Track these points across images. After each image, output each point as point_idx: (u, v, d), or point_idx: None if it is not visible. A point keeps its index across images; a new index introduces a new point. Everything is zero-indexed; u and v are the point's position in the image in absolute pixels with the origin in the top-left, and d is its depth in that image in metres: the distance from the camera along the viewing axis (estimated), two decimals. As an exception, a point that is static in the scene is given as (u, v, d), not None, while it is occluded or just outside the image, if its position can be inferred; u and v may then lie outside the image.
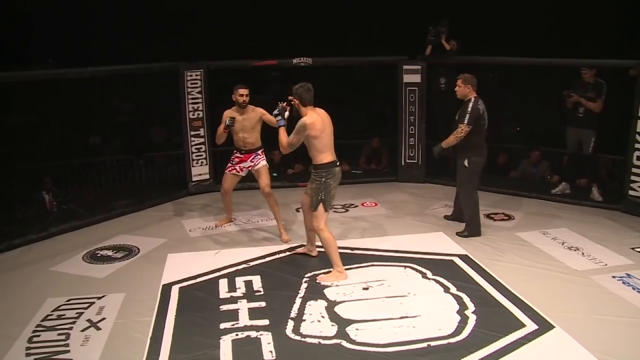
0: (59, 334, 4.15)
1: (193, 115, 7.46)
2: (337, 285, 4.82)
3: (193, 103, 7.48)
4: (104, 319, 4.37)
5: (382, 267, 5.20)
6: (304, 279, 4.96)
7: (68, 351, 3.94)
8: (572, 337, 3.95)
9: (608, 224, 6.32)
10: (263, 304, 4.53)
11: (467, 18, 8.57)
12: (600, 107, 6.74)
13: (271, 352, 3.85)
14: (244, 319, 4.29)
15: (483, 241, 5.81)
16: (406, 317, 4.28)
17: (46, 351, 3.94)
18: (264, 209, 6.52)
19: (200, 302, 4.60)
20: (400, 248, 5.62)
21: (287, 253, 5.61)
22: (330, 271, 5.00)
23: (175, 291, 4.82)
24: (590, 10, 8.45)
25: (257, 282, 4.94)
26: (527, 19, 8.96)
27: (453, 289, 4.71)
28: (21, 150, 7.91)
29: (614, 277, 4.92)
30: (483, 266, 5.17)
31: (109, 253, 5.77)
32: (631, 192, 6.55)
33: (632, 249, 5.57)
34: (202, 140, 7.55)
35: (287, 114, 4.97)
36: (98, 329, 4.22)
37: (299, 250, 5.62)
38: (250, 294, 4.71)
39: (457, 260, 5.34)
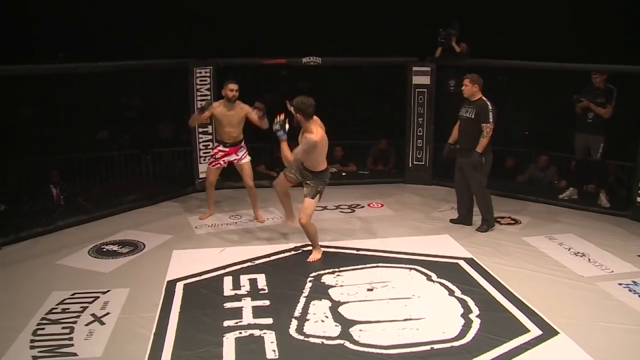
0: (63, 328, 4.17)
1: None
2: (341, 286, 4.81)
3: (202, 100, 7.47)
4: (108, 313, 4.37)
5: (387, 269, 5.19)
6: (309, 279, 4.96)
7: (72, 345, 3.95)
8: (576, 343, 3.93)
9: (615, 230, 6.28)
10: (267, 302, 4.53)
11: (478, 21, 8.55)
12: (610, 112, 6.70)
13: (274, 351, 3.85)
14: (247, 317, 4.29)
15: (489, 245, 5.79)
16: (410, 319, 4.27)
17: (50, 344, 3.95)
18: (269, 208, 6.52)
19: (204, 299, 4.60)
20: (405, 250, 5.61)
21: (293, 252, 5.61)
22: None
23: (179, 288, 4.82)
24: (602, 15, 8.42)
25: (261, 280, 4.94)
26: (539, 23, 8.93)
27: (458, 292, 4.70)
28: (30, 143, 7.96)
29: (620, 284, 4.88)
30: (488, 270, 5.15)
31: (115, 248, 5.78)
32: (639, 199, 6.51)
33: (639, 256, 5.53)
34: (209, 137, 7.55)
35: (287, 127, 5.02)
36: (102, 323, 4.23)
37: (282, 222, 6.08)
38: (254, 292, 4.71)
39: (462, 263, 5.32)
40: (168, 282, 4.94)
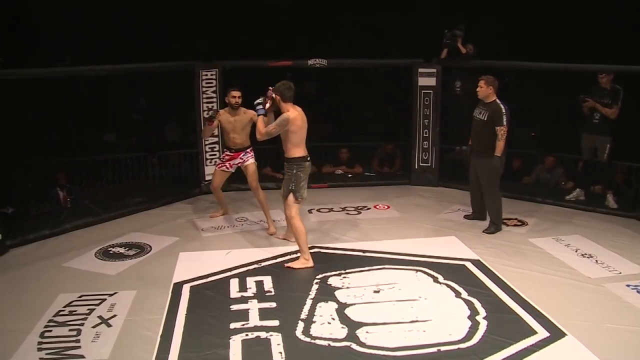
0: (70, 330, 4.18)
1: (207, 114, 7.47)
2: (348, 288, 4.81)
3: (207, 102, 7.50)
4: (115, 315, 4.38)
5: (394, 271, 5.18)
6: (315, 281, 4.96)
7: (79, 347, 3.96)
8: (584, 345, 3.91)
9: (623, 231, 6.25)
10: (273, 304, 4.53)
11: (484, 22, 8.54)
12: (616, 113, 6.67)
13: (281, 353, 3.85)
14: (254, 319, 4.29)
15: (495, 246, 5.78)
16: (417, 321, 4.26)
17: (57, 346, 3.97)
18: (276, 210, 6.52)
19: (210, 302, 4.61)
20: (412, 251, 5.60)
21: (299, 254, 5.60)
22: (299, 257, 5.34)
23: (186, 290, 4.83)
24: (608, 16, 8.38)
25: (268, 282, 4.94)
26: (544, 24, 8.90)
27: (464, 294, 4.68)
28: (37, 146, 7.98)
29: (628, 285, 4.86)
30: (495, 271, 5.13)
31: (121, 250, 5.80)
32: (647, 200, 6.49)
33: (647, 257, 5.51)
34: (216, 139, 7.56)
35: (267, 105, 5.22)
36: (109, 325, 4.24)
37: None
38: (261, 295, 4.71)
39: (469, 265, 5.31)
40: (174, 284, 4.95)
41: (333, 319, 4.30)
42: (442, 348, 3.90)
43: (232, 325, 4.20)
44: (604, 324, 4.23)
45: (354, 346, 3.93)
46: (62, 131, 8.88)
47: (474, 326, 4.17)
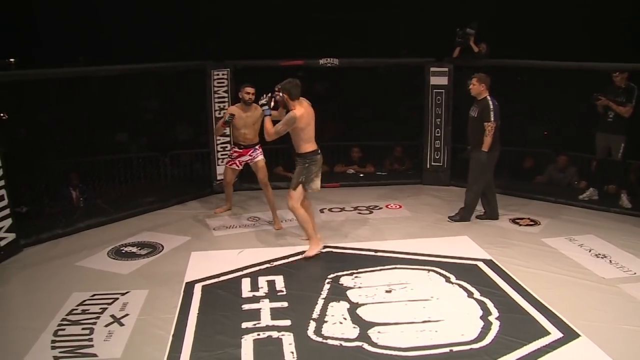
0: (83, 329, 4.20)
1: (219, 114, 7.50)
2: (359, 287, 4.80)
3: (219, 102, 7.52)
4: (127, 315, 4.40)
5: (406, 270, 5.17)
6: (327, 280, 4.95)
7: (92, 346, 3.98)
8: (597, 346, 3.87)
9: (637, 231, 6.18)
10: (285, 304, 4.53)
11: (498, 21, 8.49)
12: (631, 111, 6.61)
13: (292, 352, 3.85)
14: (265, 319, 4.29)
15: (508, 246, 5.74)
16: (429, 321, 4.25)
17: (71, 345, 3.99)
18: (285, 210, 6.52)
19: (222, 301, 4.62)
20: (423, 251, 5.58)
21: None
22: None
23: (198, 289, 4.84)
24: (623, 13, 8.32)
25: (279, 282, 4.94)
26: (558, 23, 8.85)
27: (477, 294, 4.66)
28: (50, 146, 8.04)
29: (642, 286, 4.82)
30: (507, 272, 5.10)
31: (134, 250, 5.82)
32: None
33: (662, 257, 5.45)
34: (227, 139, 7.57)
35: (272, 104, 5.30)
36: (121, 324, 4.26)
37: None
38: (272, 294, 4.71)
39: (481, 264, 5.28)
40: (186, 283, 4.96)
41: (345, 318, 4.29)
42: (455, 348, 3.88)
43: (244, 325, 4.20)
44: (619, 324, 4.19)
45: (366, 346, 3.92)
46: (75, 131, 8.93)
47: (487, 326, 4.15)
